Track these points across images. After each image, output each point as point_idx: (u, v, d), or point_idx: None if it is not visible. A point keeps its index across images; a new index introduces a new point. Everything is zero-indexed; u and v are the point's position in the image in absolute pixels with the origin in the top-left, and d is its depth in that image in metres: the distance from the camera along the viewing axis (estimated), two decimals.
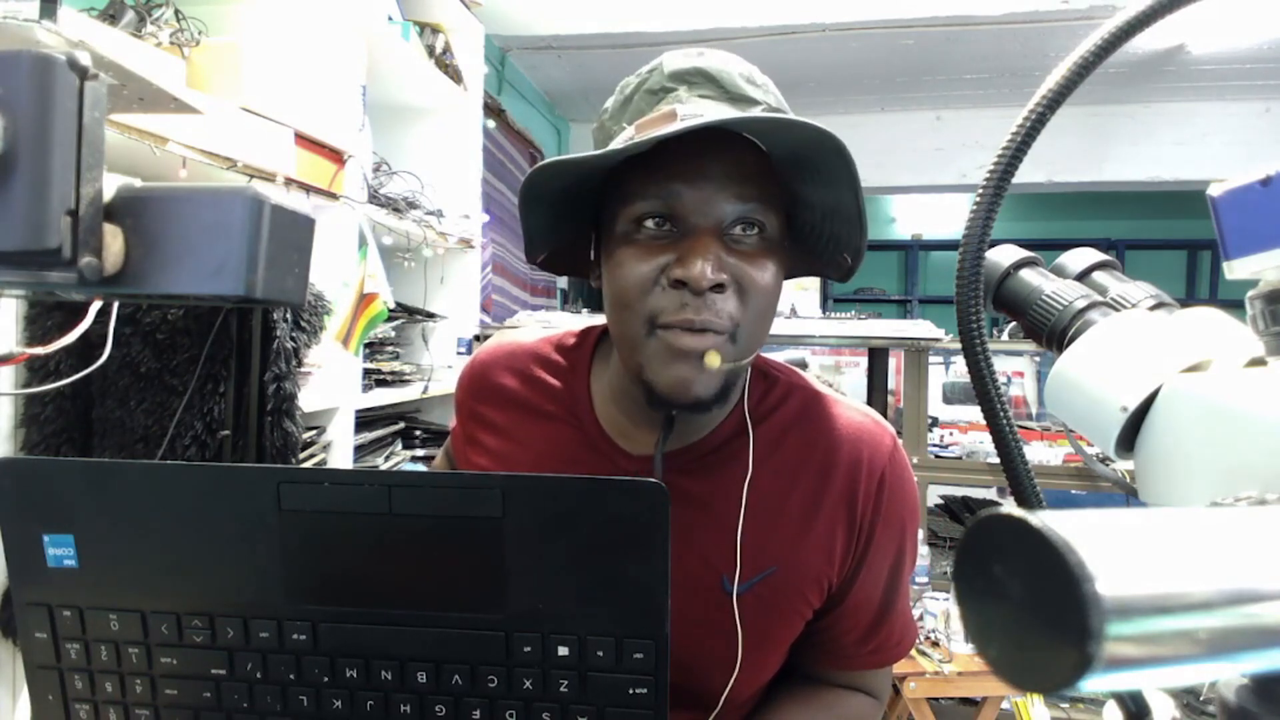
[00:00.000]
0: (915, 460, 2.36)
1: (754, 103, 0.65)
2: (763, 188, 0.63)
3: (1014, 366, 3.95)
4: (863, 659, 0.77)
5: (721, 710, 0.72)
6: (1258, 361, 0.35)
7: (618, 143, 0.64)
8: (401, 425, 2.26)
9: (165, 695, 0.58)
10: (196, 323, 1.20)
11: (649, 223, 0.63)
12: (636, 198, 0.63)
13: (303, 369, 1.42)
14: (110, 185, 0.30)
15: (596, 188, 0.68)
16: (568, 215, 0.70)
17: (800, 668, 0.79)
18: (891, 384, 3.09)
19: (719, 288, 0.61)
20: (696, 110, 0.62)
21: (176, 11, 1.40)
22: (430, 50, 2.28)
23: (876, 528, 0.72)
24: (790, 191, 0.66)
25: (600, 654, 0.54)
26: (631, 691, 0.54)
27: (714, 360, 0.61)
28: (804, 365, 2.75)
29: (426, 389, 2.21)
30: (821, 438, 0.73)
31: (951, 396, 3.86)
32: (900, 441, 0.76)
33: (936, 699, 2.12)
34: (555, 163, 0.62)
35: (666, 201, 0.62)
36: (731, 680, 0.69)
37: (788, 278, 0.75)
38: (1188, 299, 5.83)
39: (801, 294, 5.26)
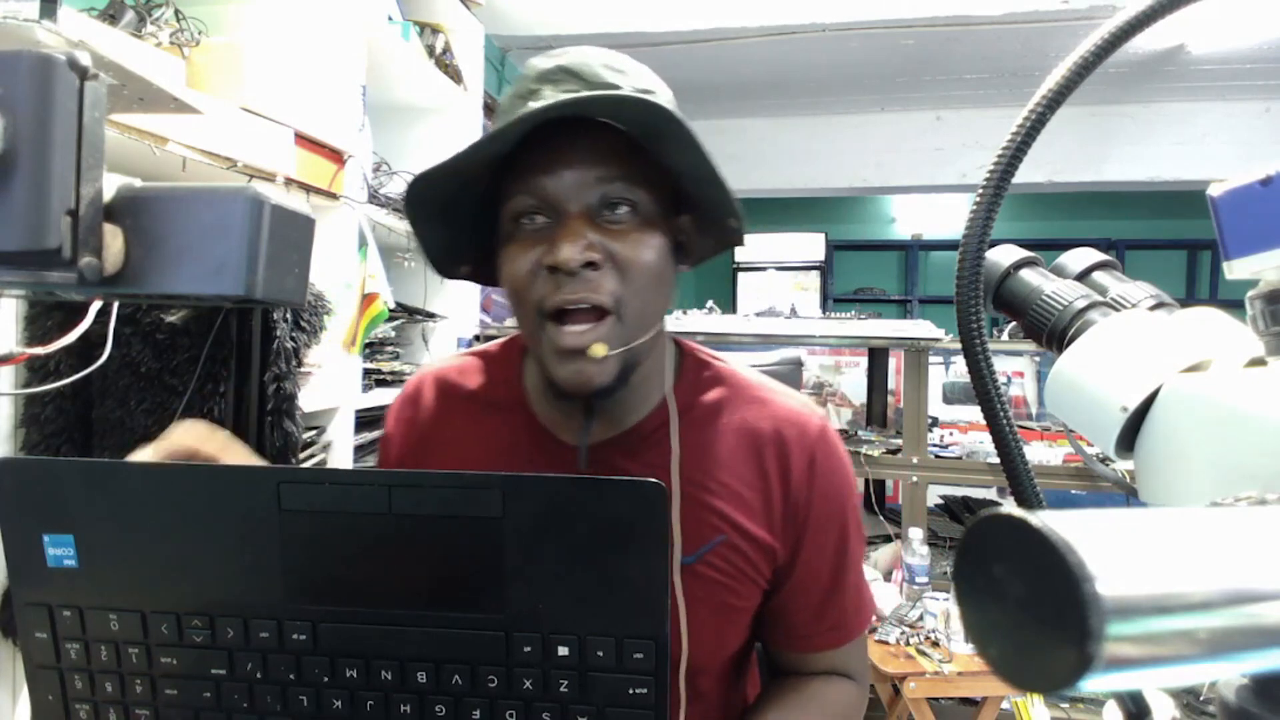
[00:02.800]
0: (915, 460, 2.36)
1: (615, 88, 0.66)
2: (626, 166, 0.66)
3: (1014, 366, 3.95)
4: (824, 636, 0.80)
5: (697, 685, 0.74)
6: (1258, 361, 0.35)
7: None
8: None
9: (165, 695, 0.58)
10: (196, 323, 1.20)
11: (525, 219, 0.66)
12: (509, 197, 0.67)
13: (303, 369, 1.42)
14: (110, 185, 0.30)
15: (486, 195, 0.71)
16: (471, 227, 0.72)
17: (775, 659, 0.84)
18: (891, 384, 3.09)
19: (592, 265, 0.64)
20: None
21: (176, 11, 1.40)
22: (430, 50, 2.28)
23: (814, 504, 0.76)
24: (665, 165, 0.68)
25: (600, 654, 0.54)
26: (631, 691, 0.54)
27: (599, 350, 0.64)
28: (800, 364, 2.75)
29: None
30: (749, 420, 0.77)
31: (951, 396, 3.86)
32: (830, 424, 0.81)
33: (936, 699, 2.11)
34: (424, 174, 0.65)
35: (534, 195, 0.65)
36: (684, 655, 0.68)
37: (708, 255, 0.76)
38: (1188, 299, 5.83)
39: (801, 294, 5.26)
